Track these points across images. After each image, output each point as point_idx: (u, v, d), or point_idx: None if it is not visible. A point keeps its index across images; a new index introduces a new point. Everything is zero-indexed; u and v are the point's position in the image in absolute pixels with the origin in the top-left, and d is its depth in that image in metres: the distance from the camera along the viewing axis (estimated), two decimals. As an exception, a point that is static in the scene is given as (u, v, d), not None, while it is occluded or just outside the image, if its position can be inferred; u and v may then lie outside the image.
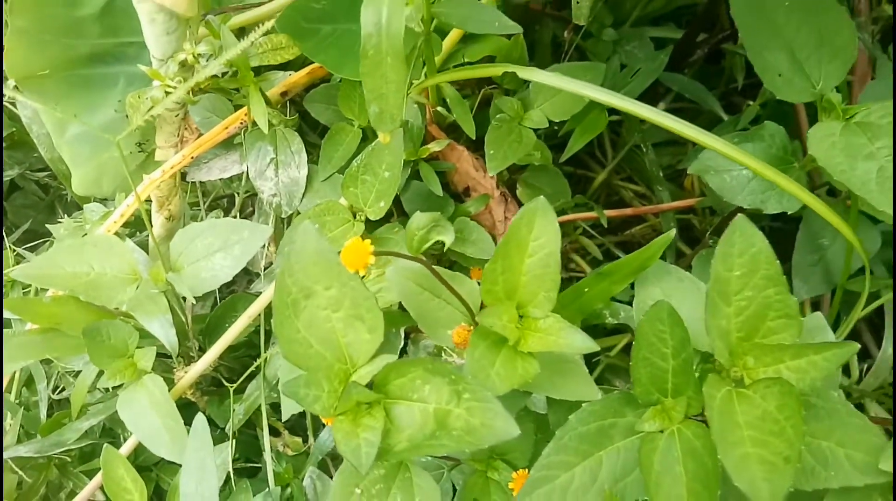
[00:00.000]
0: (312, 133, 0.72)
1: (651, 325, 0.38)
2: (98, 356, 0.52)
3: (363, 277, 0.39)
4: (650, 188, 0.87)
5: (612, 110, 0.81)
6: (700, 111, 0.92)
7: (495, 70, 0.48)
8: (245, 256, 0.53)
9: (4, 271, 0.60)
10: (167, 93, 0.51)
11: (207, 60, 0.49)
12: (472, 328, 0.43)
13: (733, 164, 0.51)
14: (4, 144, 0.77)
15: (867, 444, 0.37)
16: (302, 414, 0.76)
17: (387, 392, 0.39)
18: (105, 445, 0.50)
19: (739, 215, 0.35)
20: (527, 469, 0.46)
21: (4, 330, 0.57)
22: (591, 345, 0.37)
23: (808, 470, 0.38)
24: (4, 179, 0.83)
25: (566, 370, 0.43)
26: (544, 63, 0.81)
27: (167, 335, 0.48)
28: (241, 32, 0.62)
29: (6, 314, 0.59)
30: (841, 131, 0.49)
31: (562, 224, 0.82)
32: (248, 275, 0.78)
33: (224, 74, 0.55)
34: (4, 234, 0.85)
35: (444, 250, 0.68)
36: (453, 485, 0.58)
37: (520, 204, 0.77)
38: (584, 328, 0.73)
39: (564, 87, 0.45)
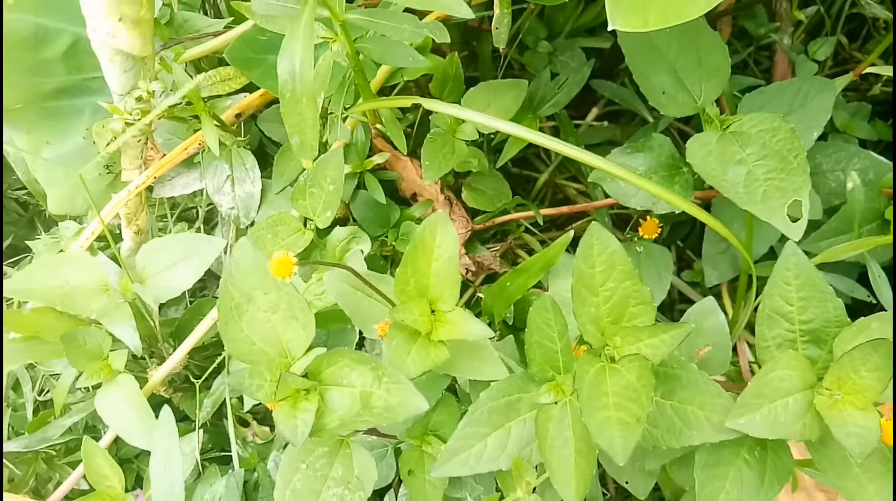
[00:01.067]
0: (273, 147, 0.79)
1: (539, 314, 0.45)
2: (76, 359, 0.59)
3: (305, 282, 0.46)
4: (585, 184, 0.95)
5: (549, 116, 0.88)
6: (634, 115, 1.00)
7: (405, 101, 0.55)
8: (203, 266, 0.59)
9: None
10: (127, 125, 0.57)
11: (161, 95, 0.56)
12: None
13: (627, 172, 0.58)
14: (-17, 168, 0.83)
15: (721, 406, 0.44)
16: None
17: (320, 379, 0.46)
18: (84, 438, 0.57)
19: (593, 222, 0.42)
20: (453, 443, 0.53)
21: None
22: (487, 332, 0.44)
23: (675, 431, 0.45)
24: (-16, 199, 0.89)
25: (480, 356, 0.50)
26: (486, 74, 0.88)
27: (132, 339, 0.55)
28: (196, 63, 0.69)
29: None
30: (717, 141, 0.56)
31: (506, 222, 0.90)
32: (217, 280, 0.84)
33: (178, 104, 0.62)
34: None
35: (394, 251, 0.76)
36: (396, 461, 0.66)
37: (465, 206, 0.84)
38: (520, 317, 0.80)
39: (466, 117, 0.52)
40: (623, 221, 0.93)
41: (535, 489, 0.50)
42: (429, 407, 0.43)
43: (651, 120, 0.92)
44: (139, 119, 0.57)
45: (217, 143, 0.62)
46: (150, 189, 0.76)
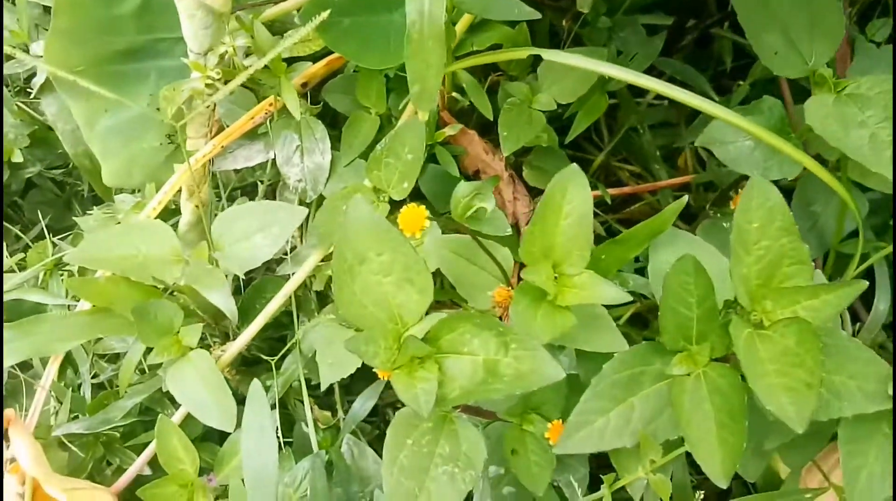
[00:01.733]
0: (341, 119, 0.75)
1: (677, 277, 0.42)
2: (146, 334, 0.55)
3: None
4: (646, 169, 0.92)
5: (609, 93, 0.85)
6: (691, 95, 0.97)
7: (520, 53, 0.52)
8: (283, 235, 0.56)
9: (44, 259, 0.63)
10: (207, 85, 0.54)
11: (245, 54, 0.52)
12: (510, 289, 0.47)
13: (737, 135, 0.55)
14: (27, 143, 0.79)
15: (876, 374, 0.41)
16: (329, 390, 0.80)
17: (438, 347, 0.43)
18: (160, 416, 0.53)
19: (754, 176, 0.39)
20: (560, 420, 0.50)
21: (44, 314, 0.60)
22: (622, 296, 0.41)
23: (823, 403, 0.42)
24: (25, 176, 0.85)
25: (596, 326, 0.47)
26: (549, 64, 0.85)
27: (227, 304, 0.51)
28: (268, 26, 0.66)
29: (48, 300, 0.61)
30: (833, 103, 0.53)
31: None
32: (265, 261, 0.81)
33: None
34: (22, 232, 0.88)
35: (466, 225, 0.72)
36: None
37: (527, 186, 0.81)
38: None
39: (582, 65, 0.49)
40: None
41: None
42: (565, 375, 0.40)
43: (716, 98, 0.89)
44: (219, 79, 0.53)
45: (298, 106, 0.58)
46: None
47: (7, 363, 0.53)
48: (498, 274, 0.48)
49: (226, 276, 0.53)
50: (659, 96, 0.95)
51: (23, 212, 0.93)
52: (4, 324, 0.54)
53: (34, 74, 0.75)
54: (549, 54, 0.51)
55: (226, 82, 0.55)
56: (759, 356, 0.38)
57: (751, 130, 0.48)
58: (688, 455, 0.53)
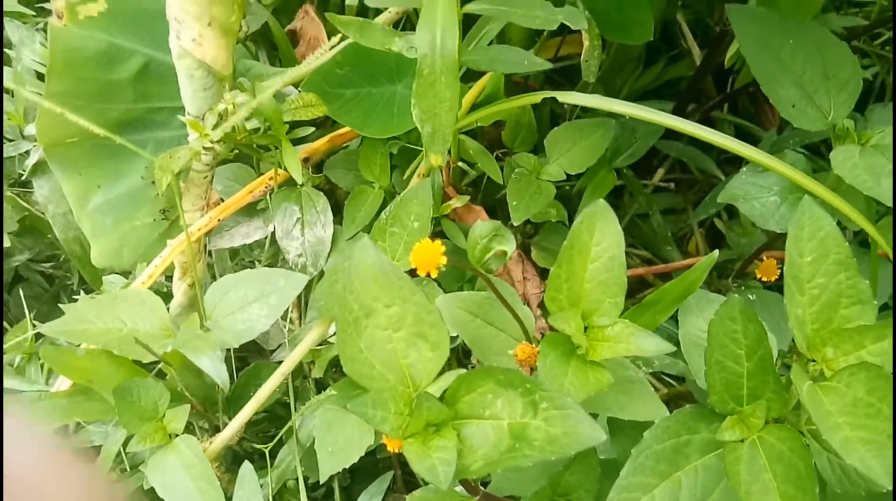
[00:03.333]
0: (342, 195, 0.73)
1: (722, 324, 0.37)
2: (128, 418, 0.50)
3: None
4: (656, 254, 0.89)
5: (617, 174, 0.84)
6: (695, 181, 0.96)
7: (535, 98, 0.50)
8: (282, 305, 0.52)
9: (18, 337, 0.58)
10: (205, 148, 0.52)
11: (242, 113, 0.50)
12: (534, 346, 0.42)
13: (761, 191, 0.53)
14: (15, 230, 0.76)
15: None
16: (328, 494, 0.72)
17: (456, 411, 0.37)
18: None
19: (805, 197, 0.36)
20: (596, 506, 0.44)
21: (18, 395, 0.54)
22: (665, 347, 0.36)
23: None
24: (11, 266, 0.81)
25: (632, 391, 0.42)
26: (545, 133, 0.84)
27: (218, 371, 0.46)
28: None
29: (24, 387, 0.56)
30: (860, 154, 0.51)
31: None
32: (256, 346, 0.76)
33: (257, 130, 0.56)
34: (7, 325, 0.83)
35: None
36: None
37: (534, 266, 0.78)
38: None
39: (606, 107, 0.47)
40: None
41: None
42: (606, 437, 0.34)
43: (723, 178, 0.88)
44: (218, 142, 0.51)
45: (300, 172, 0.56)
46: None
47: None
48: (518, 334, 0.44)
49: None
50: (665, 179, 0.95)
51: (8, 308, 0.89)
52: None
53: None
54: (566, 97, 0.49)
55: (233, 148, 0.52)
56: (826, 410, 0.33)
57: (785, 172, 0.45)
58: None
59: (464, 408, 0.37)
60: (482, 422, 0.37)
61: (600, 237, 0.38)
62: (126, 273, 0.68)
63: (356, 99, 0.64)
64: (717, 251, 0.49)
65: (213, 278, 0.73)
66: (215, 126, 0.50)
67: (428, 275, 0.39)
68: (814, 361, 0.36)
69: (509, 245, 0.40)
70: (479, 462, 0.36)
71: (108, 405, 0.51)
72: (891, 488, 0.29)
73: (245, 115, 0.49)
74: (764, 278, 0.60)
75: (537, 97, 0.50)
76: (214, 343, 0.46)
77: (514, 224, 0.65)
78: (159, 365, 0.56)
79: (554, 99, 0.87)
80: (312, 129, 0.58)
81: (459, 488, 0.44)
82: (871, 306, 0.35)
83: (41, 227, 0.80)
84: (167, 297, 0.66)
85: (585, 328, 0.39)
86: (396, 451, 0.38)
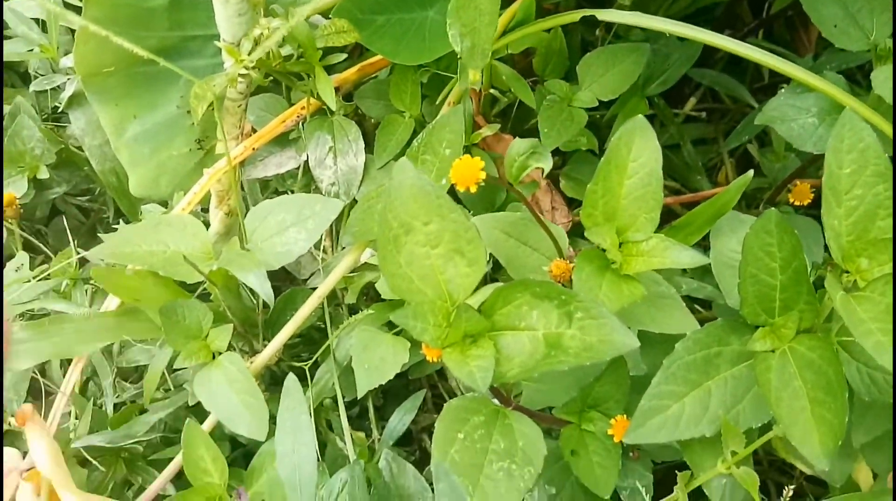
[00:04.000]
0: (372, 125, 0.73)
1: (758, 238, 0.38)
2: (173, 336, 0.52)
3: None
4: (685, 185, 0.88)
5: (649, 103, 0.83)
6: (727, 111, 0.95)
7: (572, 17, 0.50)
8: (319, 229, 0.53)
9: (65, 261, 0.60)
10: (241, 75, 0.52)
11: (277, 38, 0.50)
12: (569, 262, 0.43)
13: (799, 112, 0.52)
14: (53, 163, 0.78)
15: None
16: (362, 414, 0.75)
17: (493, 323, 0.39)
18: (188, 421, 0.49)
19: (846, 110, 0.35)
20: (624, 416, 0.45)
21: (67, 315, 0.56)
22: (701, 259, 0.37)
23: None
24: (49, 198, 0.83)
25: (664, 305, 0.43)
26: (576, 61, 0.83)
27: (263, 287, 0.47)
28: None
29: (70, 309, 0.58)
30: (902, 73, 0.50)
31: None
32: (289, 276, 0.78)
33: (290, 58, 0.57)
34: (50, 253, 0.85)
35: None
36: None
37: (564, 197, 0.78)
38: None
39: (662, 27, 0.46)
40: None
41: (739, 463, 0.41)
42: (639, 344, 0.35)
43: (755, 106, 0.86)
44: (254, 68, 0.51)
45: (333, 98, 0.56)
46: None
47: (26, 365, 0.50)
48: (552, 253, 0.45)
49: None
50: (697, 109, 0.94)
51: (47, 240, 0.91)
52: (25, 323, 0.51)
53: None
54: (605, 14, 0.48)
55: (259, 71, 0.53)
56: (859, 317, 0.34)
57: (825, 88, 0.44)
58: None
59: (500, 320, 0.39)
60: (518, 333, 0.38)
61: (638, 153, 0.39)
62: (163, 203, 0.69)
63: (387, 25, 0.64)
64: (751, 172, 0.49)
65: (247, 208, 0.74)
66: (251, 52, 0.51)
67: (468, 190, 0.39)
68: (847, 272, 0.37)
69: (546, 162, 0.41)
70: (516, 369, 0.37)
71: (154, 324, 0.53)
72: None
73: (279, 39, 0.49)
74: (797, 203, 0.60)
75: (575, 16, 0.50)
76: (259, 262, 0.48)
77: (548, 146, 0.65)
78: (202, 288, 0.58)
79: (585, 26, 0.86)
80: (344, 56, 0.58)
81: (494, 400, 0.46)
82: (908, 217, 0.35)
83: (77, 160, 0.82)
84: (205, 226, 0.68)
85: (620, 244, 0.40)
86: (436, 360, 0.39)
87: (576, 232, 0.78)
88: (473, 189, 0.36)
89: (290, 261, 0.52)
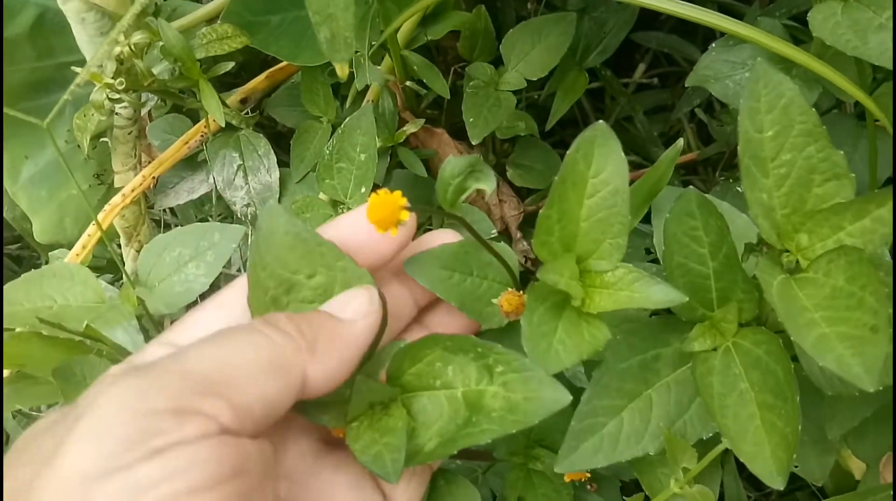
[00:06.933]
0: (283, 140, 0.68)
1: (680, 222, 0.32)
2: (74, 399, 0.47)
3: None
4: (645, 157, 0.83)
5: (592, 77, 0.77)
6: (683, 74, 0.89)
7: None
8: (219, 261, 0.47)
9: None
10: (110, 98, 0.47)
11: (147, 53, 0.45)
12: (521, 293, 0.36)
13: (734, 68, 0.47)
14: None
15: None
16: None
17: (403, 386, 0.33)
18: None
19: (759, 61, 0.30)
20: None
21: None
22: (675, 297, 0.30)
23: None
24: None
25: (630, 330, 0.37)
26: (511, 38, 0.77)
27: (134, 342, 0.42)
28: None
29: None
30: (842, 10, 0.44)
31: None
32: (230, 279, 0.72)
33: (172, 74, 0.51)
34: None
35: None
36: (492, 492, 0.52)
37: (512, 186, 0.72)
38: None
39: None
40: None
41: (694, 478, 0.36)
42: (571, 399, 0.30)
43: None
44: (124, 89, 0.46)
45: (221, 114, 0.51)
46: (150, 206, 0.65)
47: None
48: (504, 277, 0.38)
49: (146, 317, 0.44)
50: (649, 75, 0.88)
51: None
52: None
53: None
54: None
55: (134, 93, 0.47)
56: (800, 305, 0.28)
57: (759, 39, 0.39)
58: (738, 462, 0.43)
59: (412, 381, 0.33)
60: (435, 393, 0.32)
61: (599, 166, 0.32)
62: (73, 246, 0.64)
63: (284, 25, 0.58)
64: (680, 141, 0.43)
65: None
66: (116, 74, 0.45)
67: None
68: (787, 251, 0.31)
69: (488, 183, 0.34)
70: (434, 441, 0.32)
71: (54, 386, 0.47)
72: (871, 390, 0.25)
73: (144, 55, 0.44)
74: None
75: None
76: (128, 313, 0.42)
77: (473, 143, 0.60)
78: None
79: (517, 1, 0.80)
80: (232, 64, 0.52)
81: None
82: (848, 180, 0.30)
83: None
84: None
85: (581, 274, 0.33)
86: (343, 437, 0.33)
87: (528, 223, 0.72)
88: (395, 233, 0.30)
89: (191, 300, 0.47)
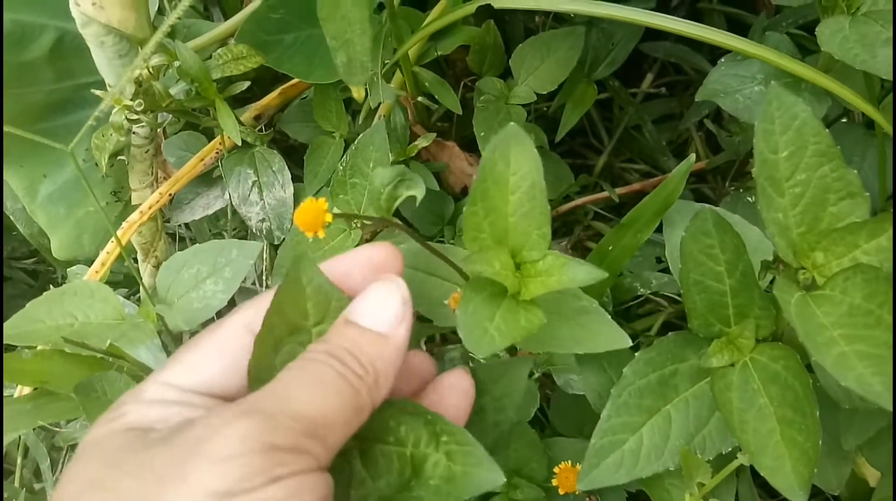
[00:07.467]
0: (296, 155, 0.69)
1: (696, 241, 0.33)
2: (95, 414, 0.47)
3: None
4: (655, 166, 0.83)
5: (600, 87, 0.78)
6: (690, 83, 0.89)
7: (469, 9, 0.45)
8: (237, 277, 0.48)
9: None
10: (129, 120, 0.47)
11: (164, 74, 0.46)
12: None
13: (743, 82, 0.47)
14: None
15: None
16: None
17: (360, 436, 0.33)
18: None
19: (772, 84, 0.30)
20: (569, 463, 0.41)
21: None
22: (597, 274, 0.31)
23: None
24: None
25: (587, 322, 0.37)
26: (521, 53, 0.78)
27: (156, 360, 0.43)
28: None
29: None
30: (850, 25, 0.45)
31: (571, 211, 0.78)
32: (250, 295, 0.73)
33: (188, 94, 0.52)
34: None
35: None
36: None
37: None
38: (617, 310, 0.67)
39: (587, 11, 0.41)
40: (696, 198, 0.81)
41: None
42: (504, 481, 0.30)
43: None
44: (143, 110, 0.47)
45: (237, 132, 0.51)
46: (166, 221, 0.66)
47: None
48: (458, 279, 0.39)
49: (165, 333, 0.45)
50: (657, 84, 0.89)
51: (-2, 308, 0.87)
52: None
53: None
54: (502, 1, 0.43)
55: (151, 113, 0.48)
56: (818, 323, 0.29)
57: (767, 57, 0.39)
58: (752, 469, 0.44)
59: (366, 432, 0.33)
60: (387, 447, 0.33)
61: (517, 165, 0.33)
62: (91, 262, 0.65)
63: (297, 44, 0.59)
64: (693, 156, 0.44)
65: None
66: (135, 96, 0.46)
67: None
68: (804, 268, 0.32)
69: (418, 190, 0.35)
70: (374, 497, 0.32)
71: (75, 403, 0.48)
72: (891, 409, 0.25)
73: (163, 77, 0.44)
74: (761, 179, 0.55)
75: (471, 8, 0.45)
76: (150, 331, 0.43)
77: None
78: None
79: (526, 15, 0.80)
80: (248, 83, 0.53)
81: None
82: (862, 198, 0.30)
83: (9, 225, 0.78)
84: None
85: (518, 266, 0.34)
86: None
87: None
88: (322, 234, 0.31)
89: (209, 317, 0.47)
